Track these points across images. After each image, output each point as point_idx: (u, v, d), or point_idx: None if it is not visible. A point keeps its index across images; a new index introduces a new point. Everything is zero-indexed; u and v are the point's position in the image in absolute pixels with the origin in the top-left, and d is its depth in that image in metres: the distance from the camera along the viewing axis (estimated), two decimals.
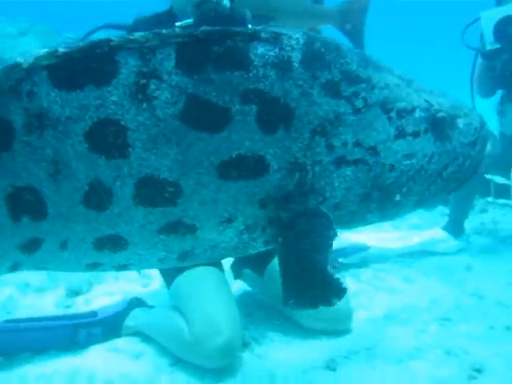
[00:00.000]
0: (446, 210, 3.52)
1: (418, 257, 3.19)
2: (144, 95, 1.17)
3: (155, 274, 3.00)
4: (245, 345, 2.21)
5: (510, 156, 3.32)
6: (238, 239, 1.32)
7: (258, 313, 2.55)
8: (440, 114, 1.37)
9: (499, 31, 2.92)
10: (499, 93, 3.46)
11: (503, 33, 2.91)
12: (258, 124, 1.21)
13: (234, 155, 1.21)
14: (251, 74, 1.21)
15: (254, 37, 1.23)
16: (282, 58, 1.23)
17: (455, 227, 3.36)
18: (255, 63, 1.21)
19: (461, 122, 1.40)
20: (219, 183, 1.23)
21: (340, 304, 2.22)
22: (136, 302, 2.51)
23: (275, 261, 2.30)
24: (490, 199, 3.63)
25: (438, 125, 1.36)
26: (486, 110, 3.59)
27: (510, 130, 3.39)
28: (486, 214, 3.88)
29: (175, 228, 1.26)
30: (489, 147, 1.44)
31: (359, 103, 1.29)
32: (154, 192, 1.21)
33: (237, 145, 1.21)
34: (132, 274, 3.24)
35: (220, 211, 1.26)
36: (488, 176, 3.43)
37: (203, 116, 1.19)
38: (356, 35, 3.32)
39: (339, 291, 1.38)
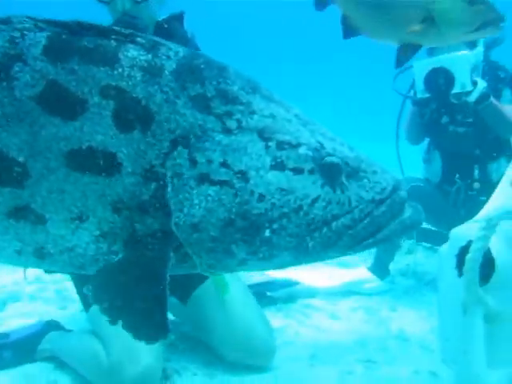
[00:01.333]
0: (374, 248, 3.55)
1: (344, 295, 3.18)
2: (6, 75, 1.23)
3: (74, 297, 2.87)
4: (166, 377, 2.12)
5: (436, 203, 3.39)
6: (95, 247, 1.26)
7: (181, 344, 2.47)
8: (331, 158, 1.26)
9: (429, 81, 3.01)
10: (426, 140, 3.56)
11: (433, 83, 3.00)
12: (113, 120, 1.22)
13: (84, 146, 1.21)
14: (115, 72, 1.23)
15: (129, 39, 1.27)
16: (154, 64, 1.26)
17: (380, 268, 3.38)
18: (122, 63, 1.24)
19: (364, 177, 1.29)
20: (67, 172, 1.22)
21: (262, 336, 2.22)
22: (52, 325, 2.38)
23: (200, 289, 2.29)
24: (412, 242, 3.68)
25: (329, 169, 1.25)
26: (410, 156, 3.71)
27: (435, 178, 3.48)
28: (412, 256, 3.94)
29: (24, 214, 1.25)
30: (406, 214, 1.30)
31: (231, 124, 1.25)
32: (1, 169, 1.22)
33: (88, 136, 1.21)
34: (49, 294, 3.10)
35: (68, 204, 1.23)
36: None
37: (59, 102, 1.22)
38: None
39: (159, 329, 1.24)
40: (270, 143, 1.25)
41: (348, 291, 3.23)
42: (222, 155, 1.23)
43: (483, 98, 2.99)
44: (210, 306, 2.28)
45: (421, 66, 3.03)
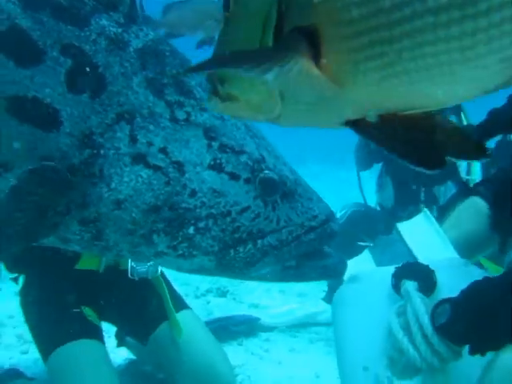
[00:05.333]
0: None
1: (303, 327, 3.22)
2: None
3: None
4: None
5: (376, 227, 3.46)
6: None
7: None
8: (269, 173, 1.27)
9: None
10: (379, 165, 3.62)
11: None
12: (66, 79, 1.21)
13: (30, 95, 1.19)
14: (82, 34, 1.23)
15: (105, 10, 1.28)
16: (121, 38, 1.26)
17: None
18: (92, 27, 1.24)
19: (298, 200, 1.29)
20: (3, 116, 1.19)
21: (224, 376, 2.24)
22: (12, 374, 2.35)
23: (159, 330, 2.31)
24: None
25: (265, 183, 1.27)
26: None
27: (388, 203, 3.55)
28: None
29: None
30: (331, 260, 1.32)
31: (180, 114, 1.26)
32: None
33: (37, 87, 1.19)
34: (9, 339, 3.07)
35: None
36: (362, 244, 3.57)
37: (17, 47, 1.20)
38: None
39: None
40: (213, 143, 1.26)
41: (307, 323, 3.26)
42: (163, 141, 1.23)
43: None
44: (169, 346, 2.30)
45: None
